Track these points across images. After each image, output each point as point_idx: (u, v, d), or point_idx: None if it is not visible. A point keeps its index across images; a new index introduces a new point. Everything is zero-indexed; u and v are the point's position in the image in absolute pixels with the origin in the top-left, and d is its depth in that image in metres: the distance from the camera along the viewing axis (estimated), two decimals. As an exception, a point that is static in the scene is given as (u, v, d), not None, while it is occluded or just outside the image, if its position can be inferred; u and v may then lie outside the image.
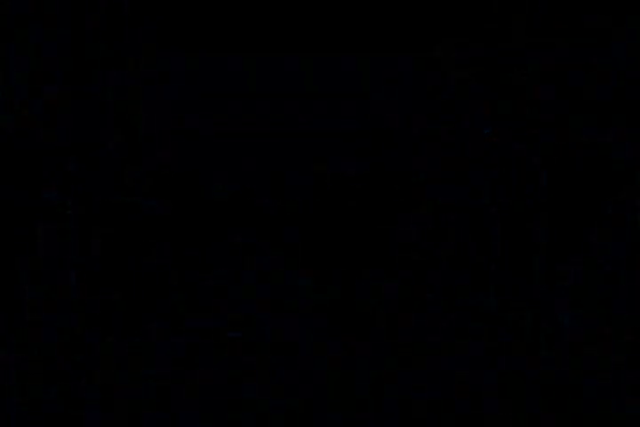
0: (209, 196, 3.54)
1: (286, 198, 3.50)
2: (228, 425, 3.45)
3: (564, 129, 3.46)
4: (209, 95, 3.51)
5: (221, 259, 3.50)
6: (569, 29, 3.44)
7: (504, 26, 3.47)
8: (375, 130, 3.54)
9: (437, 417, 3.43)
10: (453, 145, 3.51)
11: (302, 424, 3.43)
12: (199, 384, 3.47)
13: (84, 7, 3.48)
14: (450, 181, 3.51)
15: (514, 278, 3.47)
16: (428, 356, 3.45)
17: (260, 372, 3.47)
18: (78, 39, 3.47)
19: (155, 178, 3.55)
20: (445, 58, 3.46)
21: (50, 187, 3.47)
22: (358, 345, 3.47)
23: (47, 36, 3.46)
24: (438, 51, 3.46)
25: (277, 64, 3.50)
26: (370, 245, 3.49)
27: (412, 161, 3.49)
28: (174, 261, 3.49)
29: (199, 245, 3.50)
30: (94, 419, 3.44)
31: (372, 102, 3.51)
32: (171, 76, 3.48)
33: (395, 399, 3.45)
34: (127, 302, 3.49)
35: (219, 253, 3.50)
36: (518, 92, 3.47)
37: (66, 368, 3.47)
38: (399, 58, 3.48)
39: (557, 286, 3.47)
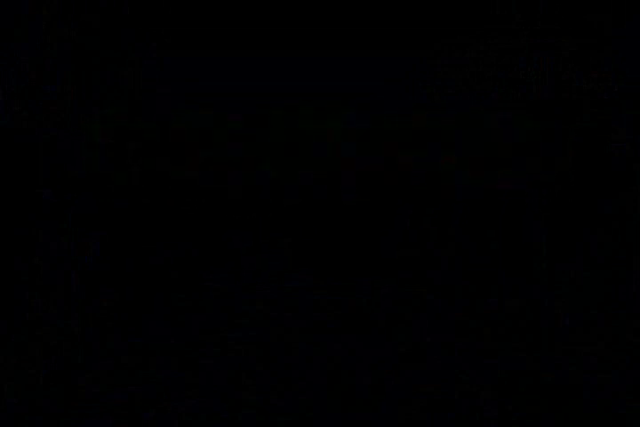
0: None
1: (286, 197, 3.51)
2: (228, 425, 3.45)
3: (565, 129, 3.46)
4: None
5: (221, 259, 3.50)
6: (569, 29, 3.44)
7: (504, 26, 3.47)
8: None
9: (437, 417, 3.43)
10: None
11: (302, 424, 3.43)
12: (199, 384, 3.47)
13: (84, 7, 3.48)
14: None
15: (514, 278, 3.47)
16: (427, 356, 3.45)
17: (260, 372, 3.47)
18: (78, 39, 3.47)
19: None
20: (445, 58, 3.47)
21: (49, 187, 3.47)
22: (358, 345, 3.48)
23: (47, 36, 3.46)
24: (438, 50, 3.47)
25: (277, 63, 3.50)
26: (369, 245, 3.49)
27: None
28: (174, 261, 3.50)
29: (199, 244, 3.50)
30: (94, 419, 3.44)
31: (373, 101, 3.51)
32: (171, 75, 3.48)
33: (395, 399, 3.45)
34: (127, 302, 3.49)
35: (219, 253, 3.50)
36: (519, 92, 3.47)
37: (66, 368, 3.47)
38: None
39: (557, 286, 3.48)
